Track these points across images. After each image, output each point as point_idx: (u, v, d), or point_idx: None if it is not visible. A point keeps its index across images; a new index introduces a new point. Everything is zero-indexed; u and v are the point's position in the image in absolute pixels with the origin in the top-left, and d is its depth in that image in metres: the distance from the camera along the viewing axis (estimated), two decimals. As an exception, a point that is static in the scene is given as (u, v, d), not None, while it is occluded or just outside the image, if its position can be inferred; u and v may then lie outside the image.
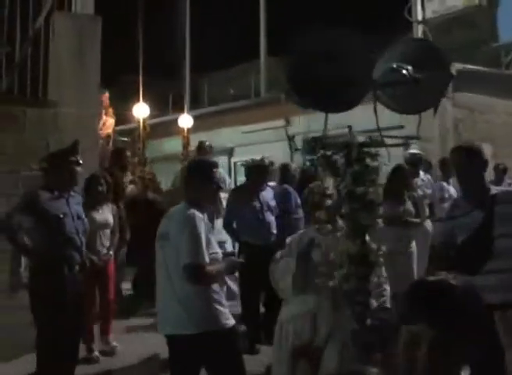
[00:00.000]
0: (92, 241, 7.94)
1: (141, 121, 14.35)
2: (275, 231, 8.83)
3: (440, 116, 15.20)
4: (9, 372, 7.33)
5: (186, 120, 15.73)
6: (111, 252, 8.50)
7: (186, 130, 15.58)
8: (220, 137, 19.65)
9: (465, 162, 5.06)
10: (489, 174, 13.58)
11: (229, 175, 17.65)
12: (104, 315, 8.54)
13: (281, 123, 19.19)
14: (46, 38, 9.77)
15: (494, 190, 5.11)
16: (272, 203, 9.02)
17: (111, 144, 14.22)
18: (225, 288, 5.72)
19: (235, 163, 20.77)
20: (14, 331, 7.36)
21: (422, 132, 15.83)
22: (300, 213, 8.73)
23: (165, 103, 27.19)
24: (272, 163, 9.89)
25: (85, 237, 6.92)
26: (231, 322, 5.15)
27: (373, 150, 5.24)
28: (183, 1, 23.89)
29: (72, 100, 9.42)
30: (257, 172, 9.11)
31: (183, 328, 4.99)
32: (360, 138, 17.09)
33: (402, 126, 17.68)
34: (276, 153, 14.64)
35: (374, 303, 4.88)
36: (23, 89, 9.46)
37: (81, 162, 6.86)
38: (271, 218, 8.90)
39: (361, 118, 17.47)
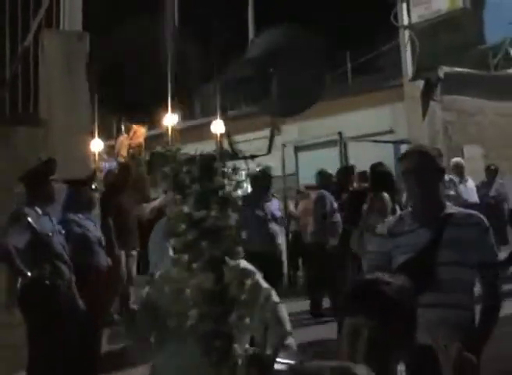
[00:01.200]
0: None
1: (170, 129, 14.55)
2: (279, 241, 8.96)
3: (429, 119, 15.36)
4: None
5: (219, 125, 15.92)
6: None
7: (219, 135, 15.73)
8: (212, 147, 19.72)
9: (418, 169, 4.12)
10: (479, 176, 13.71)
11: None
12: None
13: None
14: (35, 56, 9.83)
15: (451, 208, 4.23)
16: (277, 213, 9.10)
17: (143, 153, 14.56)
18: None
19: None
20: (13, 348, 7.41)
21: (412, 135, 16.00)
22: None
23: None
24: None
25: (66, 252, 6.96)
26: None
27: (230, 165, 3.94)
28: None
29: (63, 117, 9.47)
30: (261, 181, 9.30)
31: None
32: (352, 144, 17.14)
33: (392, 131, 17.79)
34: (268, 162, 14.74)
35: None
36: (14, 107, 9.51)
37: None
38: (275, 228, 8.93)
39: (353, 124, 17.62)
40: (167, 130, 14.56)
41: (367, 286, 2.63)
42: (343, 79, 21.86)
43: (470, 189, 12.70)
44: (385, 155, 14.22)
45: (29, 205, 6.83)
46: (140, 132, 14.67)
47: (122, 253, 9.92)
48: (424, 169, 4.10)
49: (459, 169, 12.73)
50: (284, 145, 19.16)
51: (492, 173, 13.84)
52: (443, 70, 15.52)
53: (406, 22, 16.11)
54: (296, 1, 21.92)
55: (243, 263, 4.08)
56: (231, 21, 22.08)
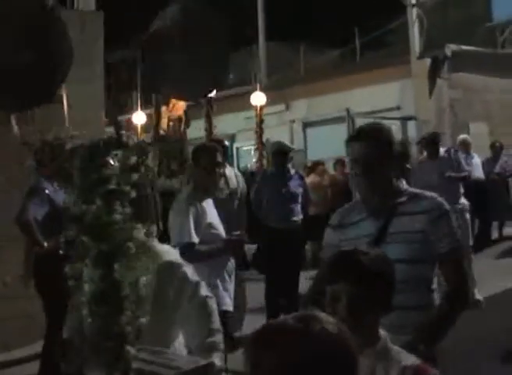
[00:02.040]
0: None
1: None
2: (296, 218, 8.86)
3: (436, 97, 15.54)
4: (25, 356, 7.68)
5: (259, 97, 15.77)
6: None
7: (259, 107, 15.56)
8: (222, 123, 19.95)
9: (364, 157, 3.54)
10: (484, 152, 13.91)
11: (232, 161, 17.87)
12: None
13: (282, 107, 19.51)
14: (51, 35, 10.04)
15: (405, 195, 3.65)
16: (298, 190, 9.01)
17: (183, 126, 14.49)
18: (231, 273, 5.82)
19: (237, 148, 21.07)
20: (31, 318, 7.70)
21: (419, 113, 16.20)
22: None
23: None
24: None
25: None
26: (222, 306, 5.33)
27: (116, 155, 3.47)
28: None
29: (79, 94, 9.72)
30: (276, 158, 9.14)
31: None
32: (360, 120, 17.36)
33: (399, 108, 17.96)
34: (278, 137, 14.98)
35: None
36: (30, 84, 9.73)
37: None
38: (293, 205, 8.89)
39: (360, 100, 17.81)
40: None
41: (346, 256, 2.82)
42: (352, 55, 22.04)
43: (475, 165, 12.84)
44: (393, 132, 14.47)
45: (46, 179, 7.06)
46: (180, 104, 14.61)
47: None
48: (371, 156, 3.51)
49: (465, 146, 12.86)
50: (292, 121, 19.42)
51: (497, 149, 13.99)
52: (450, 48, 15.66)
53: (414, 0, 16.23)
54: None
55: (170, 256, 4.05)
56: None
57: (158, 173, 13.14)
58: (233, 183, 8.19)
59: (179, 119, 14.44)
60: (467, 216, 9.72)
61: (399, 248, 3.43)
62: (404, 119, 16.94)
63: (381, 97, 16.81)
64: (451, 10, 17.82)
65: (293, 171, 9.08)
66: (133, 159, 3.51)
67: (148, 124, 16.61)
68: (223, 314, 5.14)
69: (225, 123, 19.65)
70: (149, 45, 9.34)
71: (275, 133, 14.32)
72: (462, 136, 13.27)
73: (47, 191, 6.97)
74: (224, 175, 7.30)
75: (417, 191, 3.73)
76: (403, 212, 3.54)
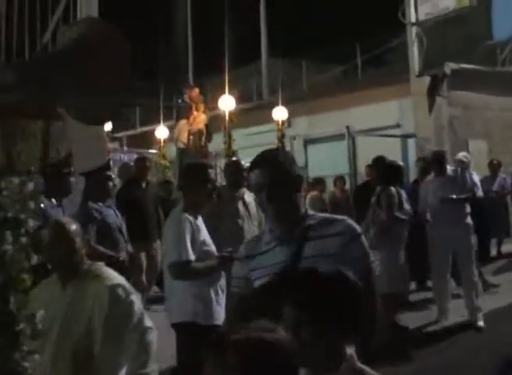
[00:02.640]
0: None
1: (227, 113, 14.26)
2: None
3: (435, 114, 15.66)
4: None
5: (281, 112, 15.76)
6: None
7: (280, 122, 15.55)
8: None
9: (268, 184, 3.38)
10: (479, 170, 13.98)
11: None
12: None
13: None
14: (53, 52, 10.19)
15: (313, 218, 3.47)
16: None
17: (203, 139, 14.50)
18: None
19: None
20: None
21: (418, 130, 16.32)
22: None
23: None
24: None
25: None
26: (212, 321, 5.44)
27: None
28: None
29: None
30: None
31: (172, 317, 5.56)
32: (360, 138, 17.44)
33: (399, 125, 18.10)
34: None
35: None
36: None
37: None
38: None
39: (361, 118, 17.94)
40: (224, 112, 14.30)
41: (301, 276, 2.80)
42: (354, 72, 22.19)
43: (474, 183, 12.87)
44: (392, 149, 14.60)
45: (45, 195, 7.16)
46: (201, 118, 14.66)
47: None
48: (275, 183, 3.36)
49: (464, 164, 12.89)
50: (293, 138, 19.54)
51: (495, 167, 14.03)
52: (450, 67, 15.79)
53: (413, 19, 16.37)
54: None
55: (120, 280, 4.15)
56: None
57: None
58: (253, 208, 7.93)
59: (200, 132, 14.52)
60: (472, 237, 9.44)
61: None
62: (404, 137, 17.06)
63: (381, 114, 16.96)
64: (451, 28, 17.95)
65: None
66: (30, 186, 3.34)
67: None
68: (213, 328, 5.27)
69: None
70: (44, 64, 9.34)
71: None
72: (461, 154, 13.33)
73: (42, 205, 7.05)
74: (243, 199, 7.48)
75: (327, 215, 3.61)
76: (314, 236, 3.35)
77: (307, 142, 19.68)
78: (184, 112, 15.57)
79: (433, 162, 9.87)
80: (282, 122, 15.10)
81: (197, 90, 14.91)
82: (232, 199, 7.49)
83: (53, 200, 7.17)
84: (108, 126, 14.70)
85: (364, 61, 21.31)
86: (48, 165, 7.35)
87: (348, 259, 3.19)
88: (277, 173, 3.38)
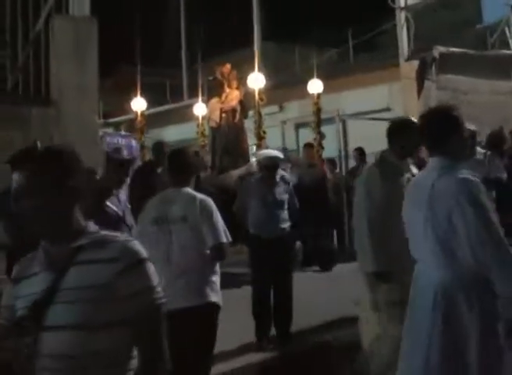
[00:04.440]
0: None
1: (256, 91, 13.90)
2: (283, 225, 8.40)
3: (424, 98, 15.82)
4: None
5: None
6: None
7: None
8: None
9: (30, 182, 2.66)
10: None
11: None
12: None
13: (275, 108, 19.85)
14: (46, 40, 10.42)
15: (88, 236, 2.66)
16: (283, 197, 8.50)
17: (237, 117, 14.01)
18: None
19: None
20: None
21: (408, 114, 16.48)
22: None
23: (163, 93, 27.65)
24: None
25: None
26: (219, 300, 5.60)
27: None
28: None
29: (73, 98, 10.08)
30: (269, 166, 8.50)
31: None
32: (350, 121, 17.62)
33: (388, 109, 18.25)
34: (271, 137, 15.32)
35: None
36: (27, 89, 10.11)
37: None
38: (279, 212, 8.42)
39: (351, 102, 18.08)
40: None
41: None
42: (346, 56, 22.38)
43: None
44: (382, 132, 14.78)
45: None
46: (233, 95, 13.96)
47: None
48: (34, 187, 2.61)
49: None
50: (284, 122, 19.73)
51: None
52: (438, 50, 15.94)
53: (402, 3, 16.52)
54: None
55: None
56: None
57: (211, 168, 12.62)
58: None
59: (233, 110, 13.99)
60: None
61: (70, 311, 2.54)
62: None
63: (371, 98, 17.17)
64: (441, 13, 18.12)
65: (278, 176, 8.55)
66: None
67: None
68: (217, 308, 5.52)
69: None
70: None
71: (269, 134, 14.59)
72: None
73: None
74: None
75: (108, 232, 2.75)
76: (82, 261, 2.61)
77: (299, 126, 19.87)
78: (215, 90, 15.10)
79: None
80: (318, 95, 14.96)
81: (228, 66, 14.39)
82: None
83: None
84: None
85: (356, 45, 21.49)
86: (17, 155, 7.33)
87: (123, 293, 2.55)
88: (39, 175, 2.61)
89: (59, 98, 9.96)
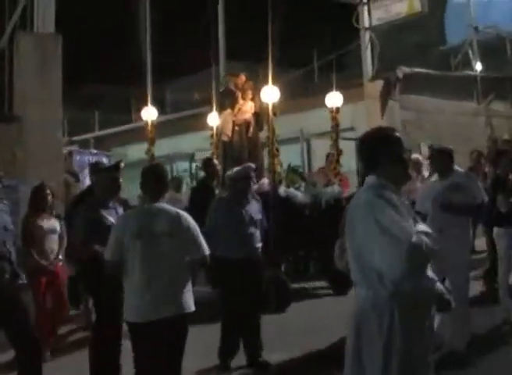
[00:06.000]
0: (40, 246, 8.43)
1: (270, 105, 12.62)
2: (257, 245, 8.01)
3: (388, 118, 15.95)
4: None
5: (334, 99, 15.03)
6: (60, 257, 8.65)
7: (335, 109, 14.66)
8: (182, 142, 20.27)
9: None
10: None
11: (191, 179, 18.00)
12: (53, 322, 8.63)
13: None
14: (10, 56, 10.35)
15: None
16: (257, 216, 8.11)
17: (251, 130, 13.35)
18: None
19: (196, 167, 21.34)
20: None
21: (372, 133, 16.47)
22: None
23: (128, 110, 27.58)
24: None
25: (15, 248, 6.85)
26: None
27: None
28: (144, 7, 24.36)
29: (36, 115, 10.01)
30: (241, 183, 8.03)
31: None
32: (314, 141, 17.59)
33: (353, 129, 18.32)
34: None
35: None
36: (-10, 105, 10.03)
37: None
38: (253, 231, 7.98)
39: (315, 121, 18.08)
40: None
41: None
42: (311, 76, 22.51)
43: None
44: (347, 152, 14.83)
45: None
46: (248, 107, 13.34)
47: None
48: None
49: (417, 166, 13.09)
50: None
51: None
52: (402, 71, 16.10)
53: (367, 24, 16.68)
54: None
55: None
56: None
57: (222, 185, 11.36)
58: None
59: (246, 123, 13.36)
60: None
61: None
62: (358, 140, 17.27)
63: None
64: (405, 34, 18.33)
65: (249, 195, 8.14)
66: None
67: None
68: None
69: (184, 143, 20.03)
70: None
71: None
72: (414, 156, 13.60)
73: None
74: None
75: None
76: None
77: (263, 145, 19.86)
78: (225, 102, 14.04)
79: None
80: (337, 109, 13.96)
81: (243, 76, 13.80)
82: None
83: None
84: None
85: (321, 65, 21.61)
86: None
87: None
88: None
89: (23, 114, 9.88)
